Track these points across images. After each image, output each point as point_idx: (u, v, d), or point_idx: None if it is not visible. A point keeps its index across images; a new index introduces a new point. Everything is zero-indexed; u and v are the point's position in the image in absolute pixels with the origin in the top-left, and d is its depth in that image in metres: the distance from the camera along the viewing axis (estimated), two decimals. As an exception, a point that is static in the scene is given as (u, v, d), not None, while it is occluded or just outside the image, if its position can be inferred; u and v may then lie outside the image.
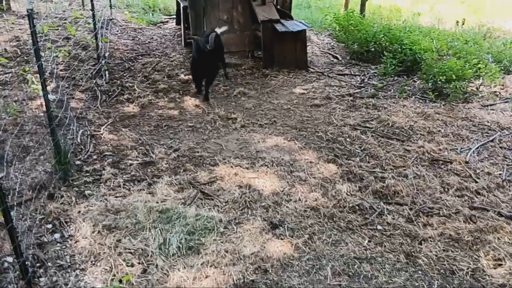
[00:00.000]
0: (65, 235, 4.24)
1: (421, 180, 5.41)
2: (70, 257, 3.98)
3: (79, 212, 4.53)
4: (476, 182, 5.39)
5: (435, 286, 3.84)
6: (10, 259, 3.82)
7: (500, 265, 4.05)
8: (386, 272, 3.97)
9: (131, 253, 4.01)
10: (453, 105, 7.71)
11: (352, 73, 9.56)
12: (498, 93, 8.40)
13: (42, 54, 7.00)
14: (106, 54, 9.24)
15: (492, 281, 3.87)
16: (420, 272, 3.99)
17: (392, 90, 8.46)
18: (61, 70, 7.79)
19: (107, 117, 6.79)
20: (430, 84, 8.33)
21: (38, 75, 4.81)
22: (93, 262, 3.91)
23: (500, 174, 5.59)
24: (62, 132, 5.62)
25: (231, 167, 5.51)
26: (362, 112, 7.38)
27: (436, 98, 7.93)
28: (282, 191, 5.09)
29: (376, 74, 9.35)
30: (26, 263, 3.65)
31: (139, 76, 8.52)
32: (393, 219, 4.67)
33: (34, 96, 6.67)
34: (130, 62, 9.31)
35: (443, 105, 7.73)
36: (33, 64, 6.70)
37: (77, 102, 7.07)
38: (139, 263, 3.92)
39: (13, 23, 10.20)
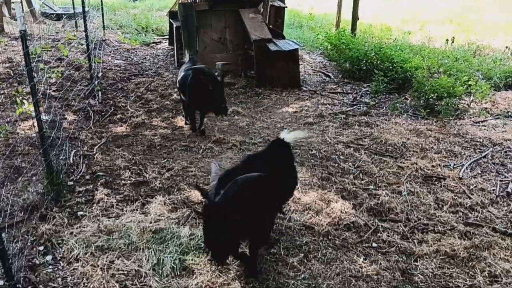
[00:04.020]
0: (57, 257, 4.18)
1: (415, 196, 5.41)
2: (62, 279, 3.91)
3: (72, 233, 4.47)
4: (470, 198, 5.39)
5: (432, 304, 3.80)
6: (0, 282, 3.75)
7: (496, 281, 4.03)
8: (382, 290, 3.94)
9: (124, 274, 3.95)
10: (445, 121, 7.77)
11: (345, 91, 9.63)
12: (489, 109, 8.48)
13: (35, 75, 7.00)
14: (99, 75, 9.27)
15: (488, 297, 3.84)
16: (416, 289, 3.96)
17: (384, 108, 8.52)
18: (54, 91, 7.78)
19: (99, 137, 6.77)
20: (421, 101, 8.40)
21: (30, 96, 4.79)
22: (86, 284, 3.85)
23: (493, 189, 5.61)
24: (55, 153, 5.59)
25: (225, 186, 5.48)
26: (355, 129, 7.41)
27: (428, 115, 7.99)
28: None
29: (368, 92, 9.42)
30: (17, 286, 3.59)
31: (132, 96, 8.53)
32: (388, 236, 4.65)
33: (26, 117, 6.64)
34: (123, 82, 9.33)
35: (435, 121, 7.79)
36: (26, 85, 6.69)
37: (70, 122, 7.05)
38: (132, 284, 3.86)
39: (6, 44, 10.23)
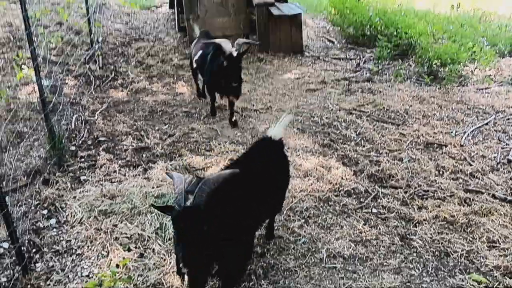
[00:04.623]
0: (60, 221, 4.24)
1: (416, 163, 5.43)
2: (66, 242, 3.98)
3: (75, 197, 4.52)
4: (471, 165, 5.41)
5: (430, 268, 3.87)
6: (5, 244, 3.82)
7: (494, 246, 4.09)
8: (381, 255, 4.00)
9: (127, 238, 4.01)
10: (448, 88, 7.71)
11: (348, 57, 9.52)
12: (493, 76, 8.39)
13: (35, 39, 6.92)
14: (99, 39, 9.14)
15: (486, 262, 3.90)
16: (415, 254, 4.02)
17: (387, 74, 8.44)
18: (54, 56, 7.70)
19: (101, 102, 6.75)
20: (425, 68, 8.32)
21: (30, 60, 4.75)
22: (90, 247, 3.92)
23: (494, 156, 5.62)
24: (56, 118, 5.59)
25: (227, 152, 5.50)
26: (358, 96, 7.36)
27: (431, 82, 7.92)
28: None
29: (371, 58, 9.32)
30: (22, 248, 3.66)
31: (132, 61, 8.46)
32: (388, 202, 4.69)
33: (27, 82, 6.61)
34: (123, 47, 9.23)
35: (438, 88, 7.73)
36: (26, 49, 6.62)
37: (71, 87, 7.01)
38: (135, 247, 3.92)
39: (5, 8, 10.06)
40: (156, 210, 4.03)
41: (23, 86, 6.67)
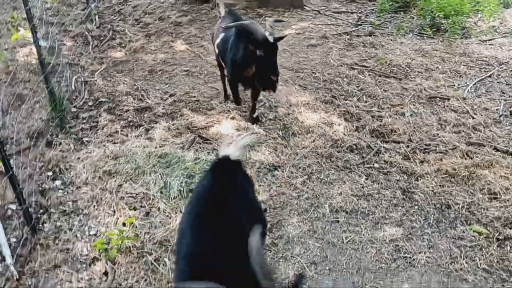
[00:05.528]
0: (66, 182, 4.29)
1: (418, 117, 5.42)
2: (73, 203, 4.04)
3: (79, 158, 4.55)
4: (473, 118, 5.39)
5: (431, 220, 3.94)
6: (13, 206, 3.88)
7: (495, 198, 4.14)
8: (382, 208, 4.06)
9: (133, 197, 4.07)
10: (451, 41, 7.58)
11: (349, 10, 9.31)
12: (496, 27, 8.23)
13: (29, -1, 6.77)
14: (95, -2, 8.96)
15: (487, 214, 3.96)
16: (416, 207, 4.08)
17: (389, 27, 8.29)
18: (50, 16, 7.56)
19: (100, 62, 6.68)
20: (428, 20, 8.15)
21: (27, 21, 4.67)
22: (96, 207, 3.98)
23: (497, 109, 5.60)
24: (56, 79, 5.54)
25: (228, 110, 5.49)
26: (359, 51, 7.26)
27: (434, 34, 7.79)
28: (280, 132, 5.09)
29: (373, 11, 9.12)
30: (30, 209, 3.71)
31: (129, 20, 8.30)
32: (390, 156, 4.71)
33: (24, 43, 6.51)
34: (120, 5, 9.03)
35: (441, 41, 7.61)
36: (22, 10, 6.50)
37: (69, 48, 6.92)
38: (141, 206, 3.98)
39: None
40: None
41: (20, 48, 6.57)
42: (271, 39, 4.46)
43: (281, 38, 4.67)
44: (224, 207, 2.54)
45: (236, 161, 2.89)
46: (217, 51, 5.43)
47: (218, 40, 5.31)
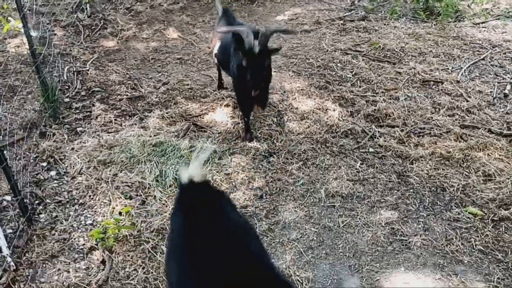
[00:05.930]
0: (61, 172, 4.27)
1: (413, 101, 5.42)
2: (68, 193, 4.03)
3: (73, 148, 4.53)
4: (467, 100, 5.40)
5: (426, 203, 3.96)
6: (8, 197, 3.87)
7: (490, 180, 4.16)
8: (378, 192, 4.08)
9: (128, 186, 4.06)
10: (444, 24, 7.56)
11: (342, -5, 9.24)
12: (490, 10, 8.21)
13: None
14: (85, -14, 8.84)
15: (482, 195, 3.98)
16: (411, 190, 4.10)
17: (383, 12, 8.25)
18: (40, 6, 7.47)
19: (91, 52, 6.62)
20: (421, 4, 8.12)
21: (17, 11, 4.60)
22: (91, 197, 3.97)
23: (491, 91, 5.61)
24: (48, 70, 5.49)
25: (223, 98, 5.47)
26: (353, 36, 7.23)
27: (427, 18, 7.77)
28: (275, 118, 5.09)
29: (366, -4, 9.06)
30: (25, 200, 3.70)
31: (121, 8, 8.21)
32: (385, 141, 4.72)
33: (15, 34, 6.44)
34: (111, -6, 8.92)
35: (434, 24, 7.59)
36: (11, 0, 6.43)
37: (60, 38, 6.85)
38: (137, 195, 3.98)
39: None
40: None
41: (11, 39, 6.51)
42: (256, 49, 3.99)
43: (273, 50, 4.20)
44: (208, 235, 2.26)
45: (202, 182, 2.51)
46: (216, 60, 5.20)
47: (215, 50, 5.02)
